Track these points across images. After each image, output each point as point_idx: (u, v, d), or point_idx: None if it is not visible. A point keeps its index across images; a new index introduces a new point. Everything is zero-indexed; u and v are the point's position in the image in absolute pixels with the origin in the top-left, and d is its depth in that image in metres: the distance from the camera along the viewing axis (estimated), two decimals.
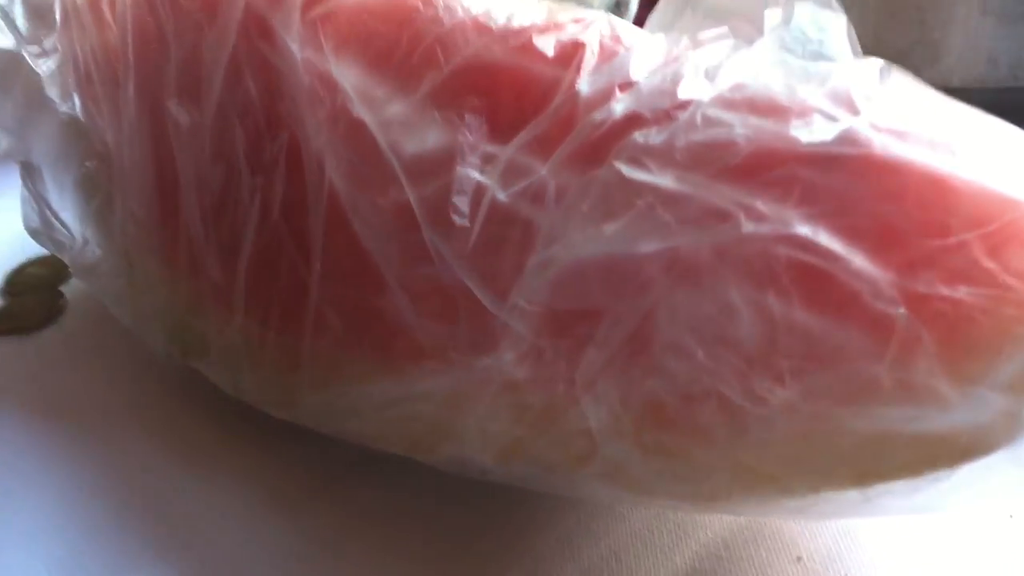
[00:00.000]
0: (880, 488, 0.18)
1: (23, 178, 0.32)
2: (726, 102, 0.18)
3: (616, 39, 0.21)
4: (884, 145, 0.17)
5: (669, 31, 0.22)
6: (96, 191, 0.31)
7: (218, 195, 0.29)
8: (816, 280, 0.18)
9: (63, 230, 0.32)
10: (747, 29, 0.20)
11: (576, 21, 0.22)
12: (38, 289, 0.40)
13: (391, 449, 0.25)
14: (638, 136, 0.18)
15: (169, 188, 0.30)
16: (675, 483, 0.20)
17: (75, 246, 0.32)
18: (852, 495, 0.18)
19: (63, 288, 0.39)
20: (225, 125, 0.28)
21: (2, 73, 0.28)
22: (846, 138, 0.17)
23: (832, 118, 0.17)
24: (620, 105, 0.19)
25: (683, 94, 0.18)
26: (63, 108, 0.29)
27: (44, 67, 0.29)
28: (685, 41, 0.20)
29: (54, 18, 0.30)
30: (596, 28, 0.21)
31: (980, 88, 0.34)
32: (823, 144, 0.17)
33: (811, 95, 0.17)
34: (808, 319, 0.18)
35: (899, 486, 0.18)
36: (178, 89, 0.29)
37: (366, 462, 0.28)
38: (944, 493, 0.18)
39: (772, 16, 0.19)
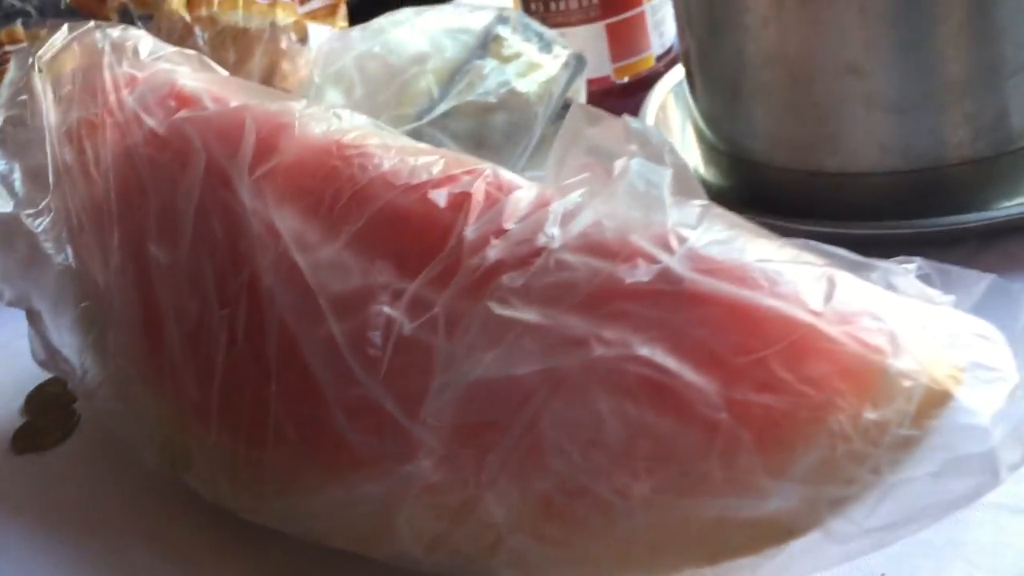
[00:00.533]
0: (729, 564, 0.21)
1: (29, 321, 0.36)
2: (573, 247, 0.22)
3: (499, 187, 0.25)
4: (694, 280, 0.20)
5: (561, 163, 0.26)
6: (91, 327, 0.35)
7: (194, 325, 0.33)
8: (659, 391, 0.21)
9: (66, 362, 0.36)
10: (604, 173, 0.24)
11: (468, 172, 0.26)
12: (55, 407, 0.44)
13: (345, 547, 0.28)
14: (505, 279, 0.22)
15: (153, 321, 0.34)
16: (565, 567, 0.23)
17: (76, 375, 0.36)
18: (707, 572, 0.21)
19: (76, 405, 0.44)
20: (197, 263, 0.32)
21: (4, 234, 0.33)
22: (662, 276, 0.20)
23: (653, 259, 0.21)
24: (493, 251, 0.23)
25: (540, 241, 0.22)
26: (58, 259, 0.34)
27: (40, 225, 0.33)
28: (551, 189, 0.24)
29: (48, 180, 0.34)
30: (483, 179, 0.25)
31: (876, 172, 0.38)
32: (643, 282, 0.20)
33: (638, 239, 0.21)
34: (656, 423, 0.21)
35: (744, 562, 0.21)
36: (157, 233, 0.33)
37: (328, 560, 0.31)
38: (781, 566, 0.21)
39: (619, 166, 0.23)
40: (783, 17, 0.39)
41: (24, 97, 0.31)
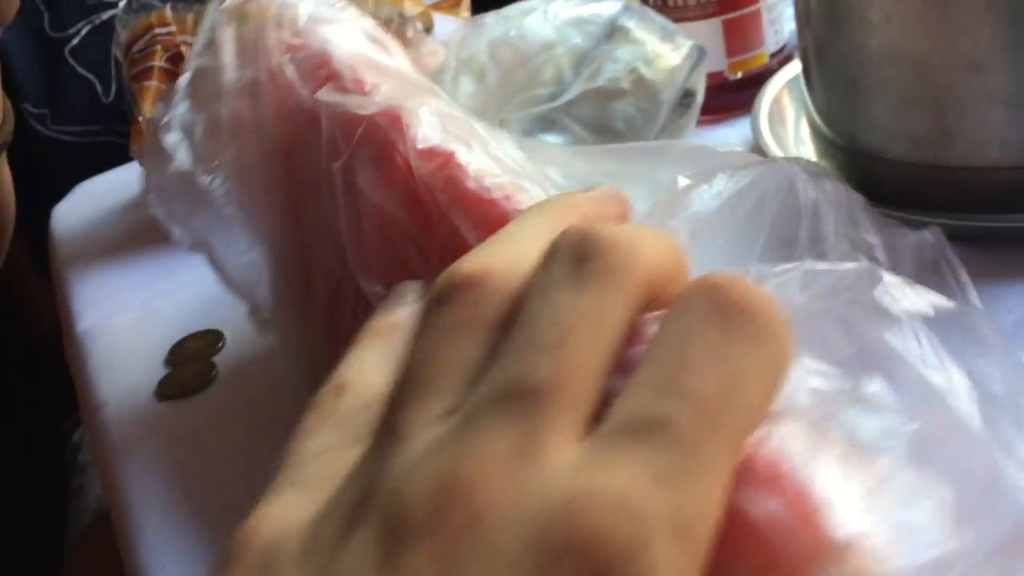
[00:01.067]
0: None
1: (209, 262, 0.39)
2: None
3: None
4: None
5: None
6: (261, 271, 0.38)
7: (335, 285, 0.35)
8: None
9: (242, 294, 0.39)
10: None
11: None
12: (195, 360, 0.47)
13: None
14: None
15: (307, 274, 0.37)
16: None
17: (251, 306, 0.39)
18: None
19: (215, 359, 0.47)
20: (336, 231, 0.35)
21: (183, 187, 0.36)
22: None
23: None
24: None
25: None
26: (228, 210, 0.37)
27: (214, 180, 0.36)
28: None
29: (221, 134, 0.37)
30: None
31: (995, 167, 0.38)
32: None
33: None
34: None
35: None
36: (308, 196, 0.36)
37: None
38: None
39: None
40: (906, 13, 0.40)
41: (212, 48, 0.34)
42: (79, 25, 0.91)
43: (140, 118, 0.59)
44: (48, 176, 0.95)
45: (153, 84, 0.60)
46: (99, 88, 0.89)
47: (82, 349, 0.53)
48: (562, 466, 0.15)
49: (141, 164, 0.61)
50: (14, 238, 0.77)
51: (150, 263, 0.59)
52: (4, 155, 0.66)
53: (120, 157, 0.79)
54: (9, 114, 0.66)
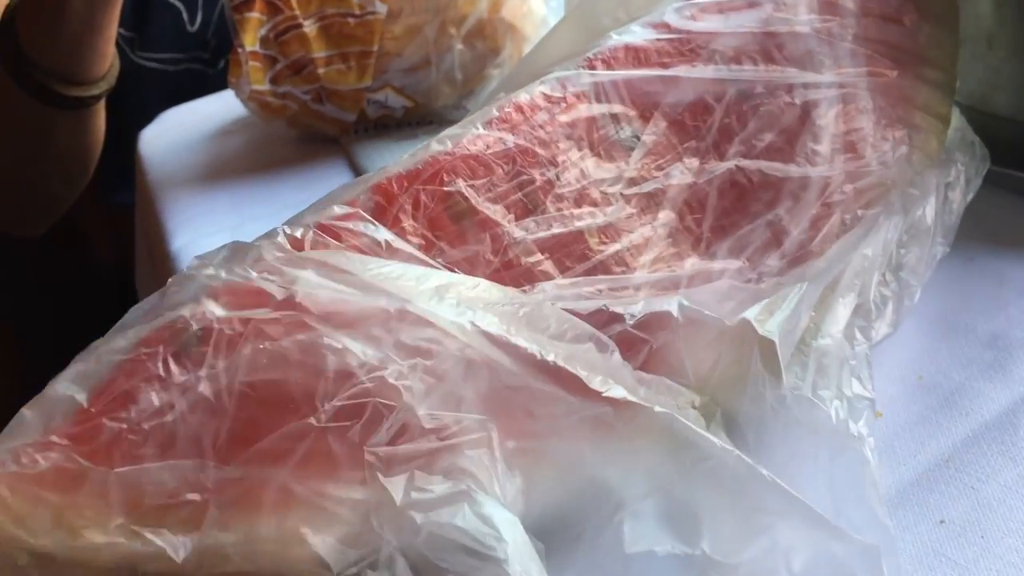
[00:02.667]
0: None
1: None
2: None
3: None
4: None
5: None
6: None
7: None
8: None
9: None
10: None
11: None
12: None
13: None
14: None
15: None
16: None
17: None
18: None
19: None
20: None
21: None
22: None
23: None
24: None
25: None
26: None
27: None
28: None
29: None
30: None
31: None
32: None
33: None
34: None
35: None
36: None
37: None
38: None
39: None
40: None
41: None
42: None
43: (240, 49, 0.60)
44: (127, 102, 0.96)
45: (255, 16, 0.61)
46: (185, 16, 0.89)
47: (175, 266, 0.54)
48: None
49: (236, 94, 0.62)
50: None
51: (240, 189, 0.60)
52: (103, 99, 0.68)
53: (199, 87, 0.80)
54: (115, 62, 0.68)
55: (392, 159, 0.60)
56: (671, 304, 0.29)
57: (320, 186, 0.59)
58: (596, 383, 0.27)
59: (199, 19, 0.89)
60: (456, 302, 0.27)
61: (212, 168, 0.63)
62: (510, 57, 0.61)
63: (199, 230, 0.56)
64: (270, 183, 0.61)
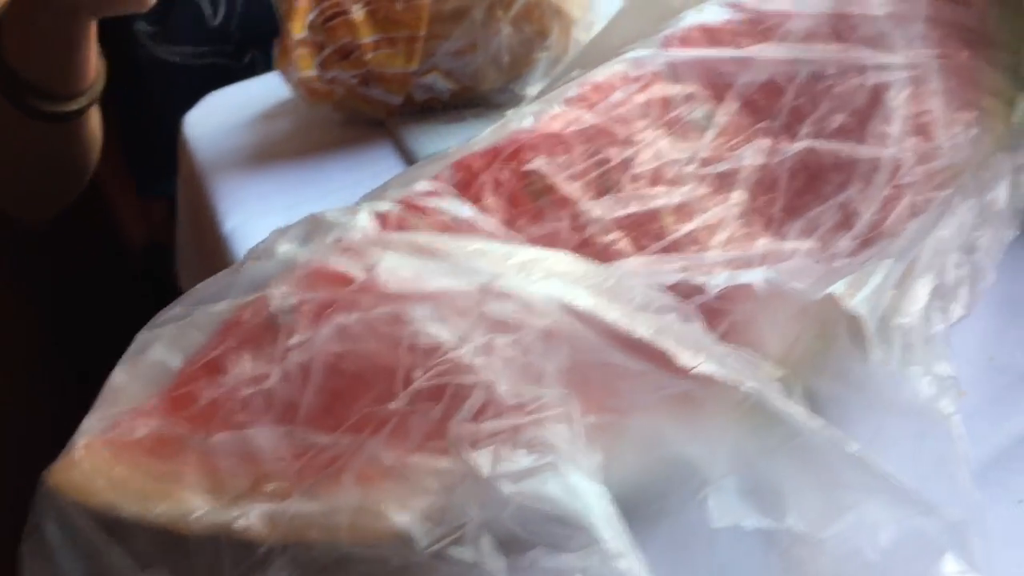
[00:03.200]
0: None
1: None
2: None
3: None
4: None
5: None
6: None
7: None
8: None
9: None
10: None
11: None
12: None
13: None
14: None
15: None
16: None
17: None
18: None
19: None
20: None
21: None
22: None
23: None
24: None
25: None
26: None
27: None
28: None
29: None
30: None
31: None
32: None
33: None
34: None
35: None
36: None
37: None
38: None
39: None
40: None
41: None
42: None
43: (287, 36, 0.60)
44: (153, 95, 0.96)
45: (302, 3, 0.61)
46: (207, 10, 0.90)
47: (229, 247, 0.55)
48: None
49: (285, 80, 0.62)
50: (107, 158, 0.78)
51: (288, 171, 0.61)
52: (96, 106, 0.68)
53: (224, 81, 0.80)
54: (100, 77, 0.68)
55: (438, 141, 0.61)
56: (754, 276, 0.29)
57: (368, 168, 0.60)
58: (685, 359, 0.27)
59: (221, 13, 0.90)
60: (544, 276, 0.27)
61: (260, 150, 0.64)
62: (557, 41, 0.61)
63: (250, 211, 0.57)
64: (318, 165, 0.61)
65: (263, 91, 0.71)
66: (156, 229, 1.11)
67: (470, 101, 0.63)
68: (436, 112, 0.63)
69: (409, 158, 0.59)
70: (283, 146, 0.64)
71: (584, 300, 0.27)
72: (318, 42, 0.61)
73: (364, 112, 0.63)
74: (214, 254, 0.57)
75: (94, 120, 0.71)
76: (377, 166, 0.60)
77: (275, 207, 0.57)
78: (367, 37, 0.60)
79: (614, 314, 0.27)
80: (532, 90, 0.62)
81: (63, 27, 0.60)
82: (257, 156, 0.63)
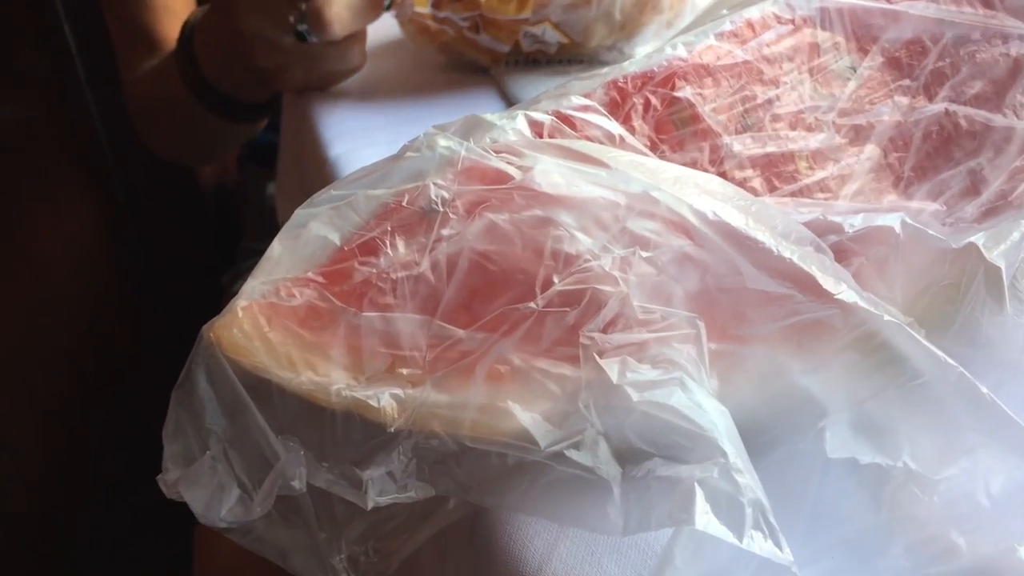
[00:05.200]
0: None
1: None
2: None
3: None
4: None
5: None
6: None
7: None
8: None
9: None
10: None
11: None
12: None
13: None
14: None
15: None
16: None
17: None
18: None
19: None
20: None
21: None
22: None
23: None
24: None
25: None
26: None
27: None
28: None
29: None
30: None
31: None
32: None
33: None
34: None
35: None
36: None
37: None
38: None
39: None
40: None
41: None
42: None
43: None
44: None
45: None
46: None
47: (334, 171, 0.56)
48: None
49: (396, 15, 0.63)
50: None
51: (393, 109, 0.62)
52: None
53: None
54: None
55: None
56: (893, 220, 0.29)
57: (472, 112, 0.61)
58: (829, 284, 0.27)
59: None
60: (697, 192, 0.28)
61: (365, 85, 0.65)
62: (671, 5, 0.61)
63: (355, 142, 0.58)
64: (423, 105, 0.62)
65: (371, 30, 0.72)
66: (227, 171, 1.14)
67: (576, 56, 0.64)
68: (540, 65, 0.64)
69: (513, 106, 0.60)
70: (387, 84, 0.65)
71: (736, 218, 0.28)
72: None
73: (469, 58, 0.64)
74: (316, 179, 0.59)
75: None
76: (480, 112, 0.61)
77: (380, 140, 0.58)
78: None
79: (763, 235, 0.27)
80: (641, 50, 0.63)
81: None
82: (363, 91, 0.64)
